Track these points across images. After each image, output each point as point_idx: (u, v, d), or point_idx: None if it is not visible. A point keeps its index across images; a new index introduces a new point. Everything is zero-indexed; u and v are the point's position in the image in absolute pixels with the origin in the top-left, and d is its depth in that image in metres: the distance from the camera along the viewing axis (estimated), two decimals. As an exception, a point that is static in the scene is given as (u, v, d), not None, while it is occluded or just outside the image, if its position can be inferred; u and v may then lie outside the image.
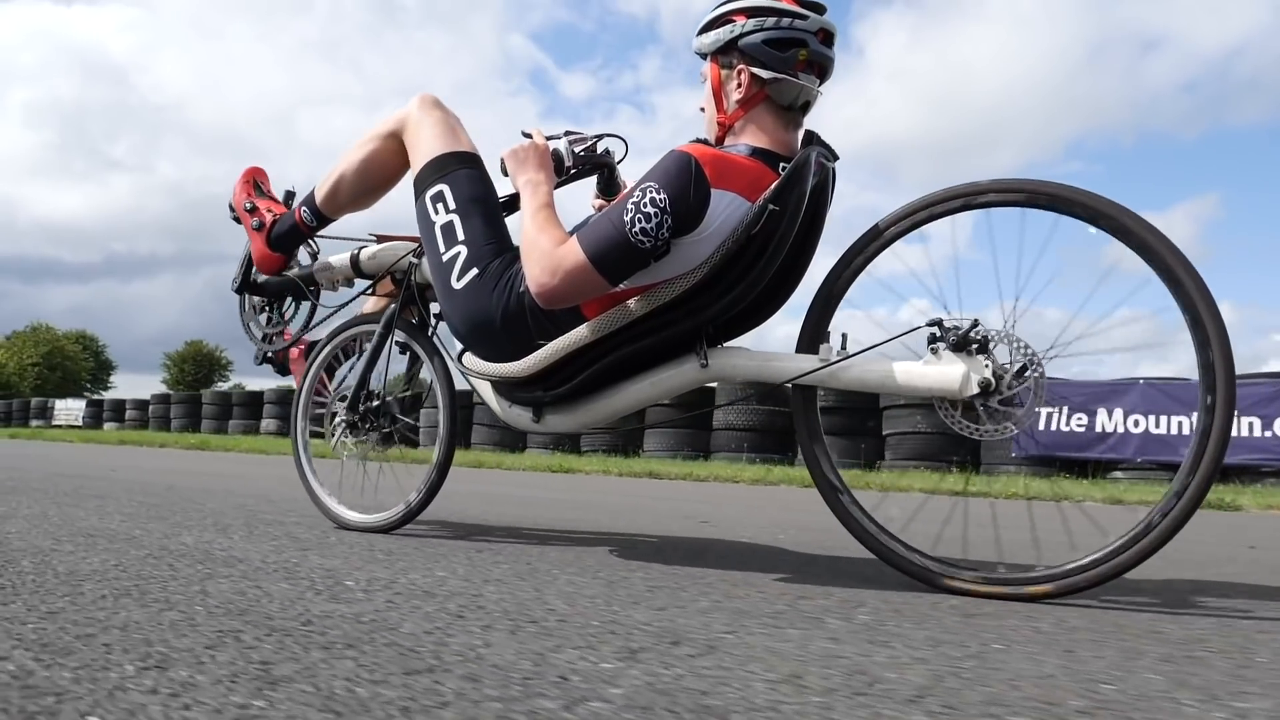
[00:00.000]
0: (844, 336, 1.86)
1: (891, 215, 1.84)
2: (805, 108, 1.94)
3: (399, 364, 2.41)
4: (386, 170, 2.34)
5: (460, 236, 2.10)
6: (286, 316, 2.64)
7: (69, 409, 24.57)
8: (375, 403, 2.36)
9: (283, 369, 2.61)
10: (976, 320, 1.70)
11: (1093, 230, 1.66)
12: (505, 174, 2.08)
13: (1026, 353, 1.68)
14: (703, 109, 2.01)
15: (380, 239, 2.49)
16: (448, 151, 2.18)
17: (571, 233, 1.90)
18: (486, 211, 2.14)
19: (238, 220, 2.57)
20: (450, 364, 2.29)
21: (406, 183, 2.30)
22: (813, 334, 1.89)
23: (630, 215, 1.77)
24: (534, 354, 2.01)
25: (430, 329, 2.39)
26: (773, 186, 1.81)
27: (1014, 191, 1.71)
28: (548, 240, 1.87)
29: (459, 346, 2.21)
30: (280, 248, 2.51)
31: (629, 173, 2.31)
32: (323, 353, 2.50)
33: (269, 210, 2.53)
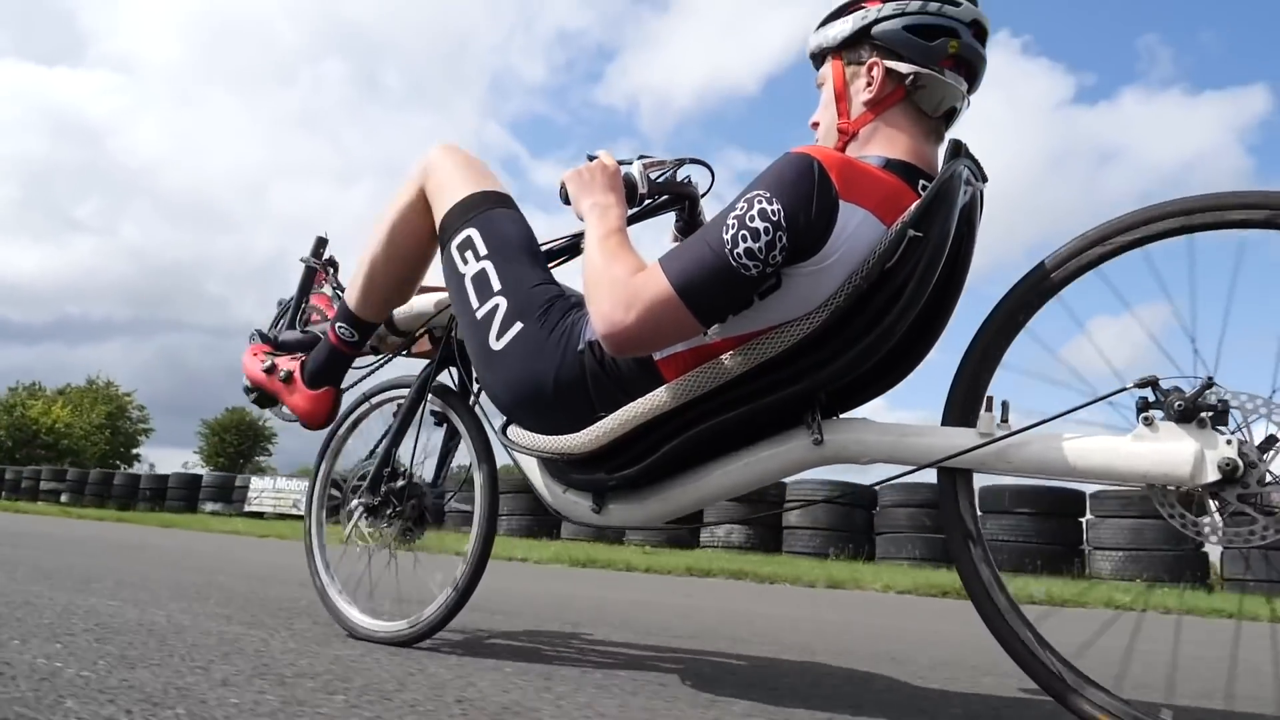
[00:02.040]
0: (1004, 405, 1.41)
1: (1060, 253, 1.40)
2: (950, 116, 1.54)
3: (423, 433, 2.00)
4: (421, 237, 1.89)
5: (496, 286, 1.69)
6: None
7: (273, 491, 17.70)
8: (401, 483, 1.94)
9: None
10: (1211, 379, 1.24)
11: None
12: (566, 201, 1.69)
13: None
14: (815, 123, 1.61)
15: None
16: (474, 192, 1.79)
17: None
18: (526, 254, 1.74)
19: (262, 397, 2.09)
20: (493, 438, 1.87)
21: None
22: (965, 402, 1.44)
23: (732, 232, 1.35)
24: (598, 424, 1.58)
25: (472, 396, 1.97)
26: (913, 207, 1.39)
27: (1254, 208, 1.26)
28: (621, 268, 1.46)
29: (502, 419, 1.79)
30: (325, 380, 2.01)
31: (714, 210, 1.91)
32: (346, 422, 2.10)
33: (292, 359, 2.06)
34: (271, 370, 2.04)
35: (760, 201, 1.34)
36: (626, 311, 1.41)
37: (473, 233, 1.75)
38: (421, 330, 2.07)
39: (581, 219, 1.65)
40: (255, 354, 2.10)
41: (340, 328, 1.96)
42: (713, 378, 1.48)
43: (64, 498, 20.08)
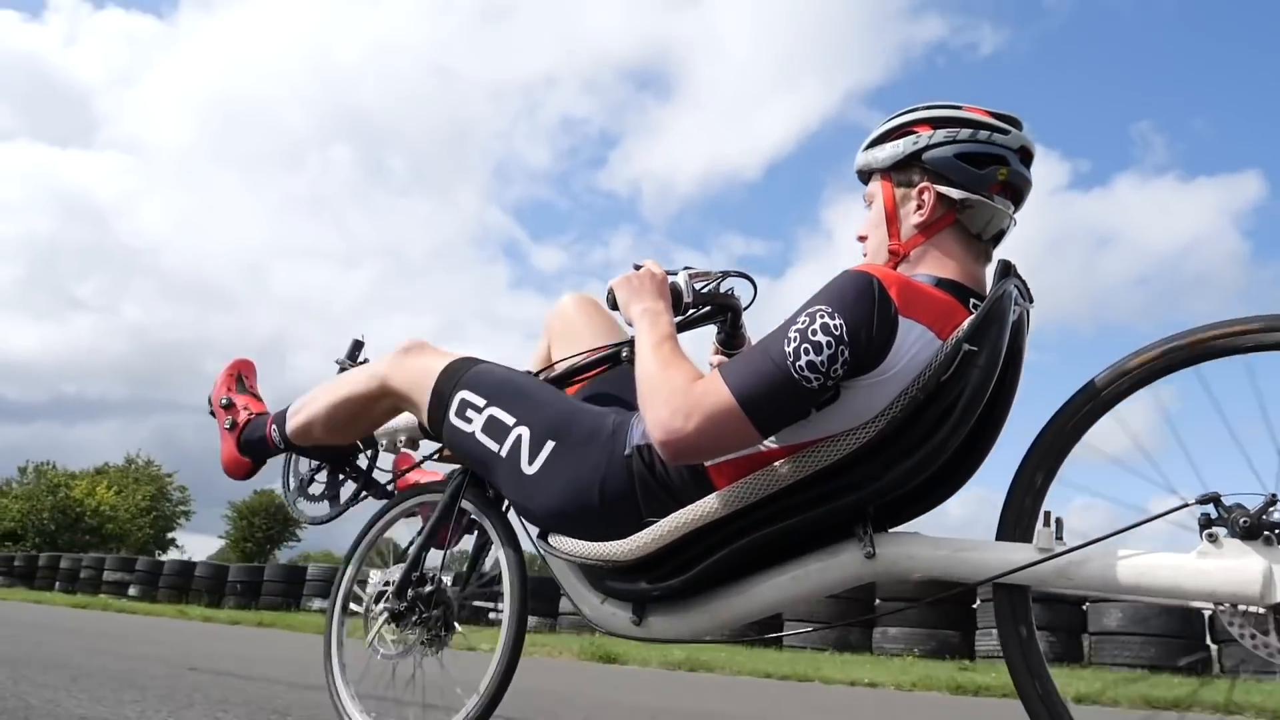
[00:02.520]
0: (1059, 521, 1.41)
1: (1114, 368, 1.43)
2: (998, 238, 1.59)
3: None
4: (361, 422, 2.03)
5: (510, 421, 1.72)
6: (340, 480, 2.24)
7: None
8: (429, 588, 1.89)
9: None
10: (1275, 496, 1.24)
11: None
12: (613, 306, 1.72)
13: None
14: (863, 237, 1.66)
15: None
16: (445, 365, 1.85)
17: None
18: (526, 385, 1.80)
19: (213, 414, 2.27)
20: (524, 544, 1.85)
21: None
22: (1020, 516, 1.44)
23: (794, 345, 1.37)
24: (644, 531, 1.56)
25: (506, 503, 1.95)
26: (967, 323, 1.43)
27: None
28: (679, 376, 1.47)
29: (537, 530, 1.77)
30: (250, 453, 2.19)
31: (756, 323, 1.94)
32: (376, 525, 2.06)
33: (246, 408, 2.23)
34: (228, 407, 2.23)
35: (822, 316, 1.37)
36: (686, 420, 1.41)
37: (463, 395, 1.79)
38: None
39: (631, 325, 1.67)
40: (230, 379, 2.29)
41: (274, 429, 2.12)
42: (764, 486, 1.48)
43: (132, 590, 16.84)
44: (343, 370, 2.23)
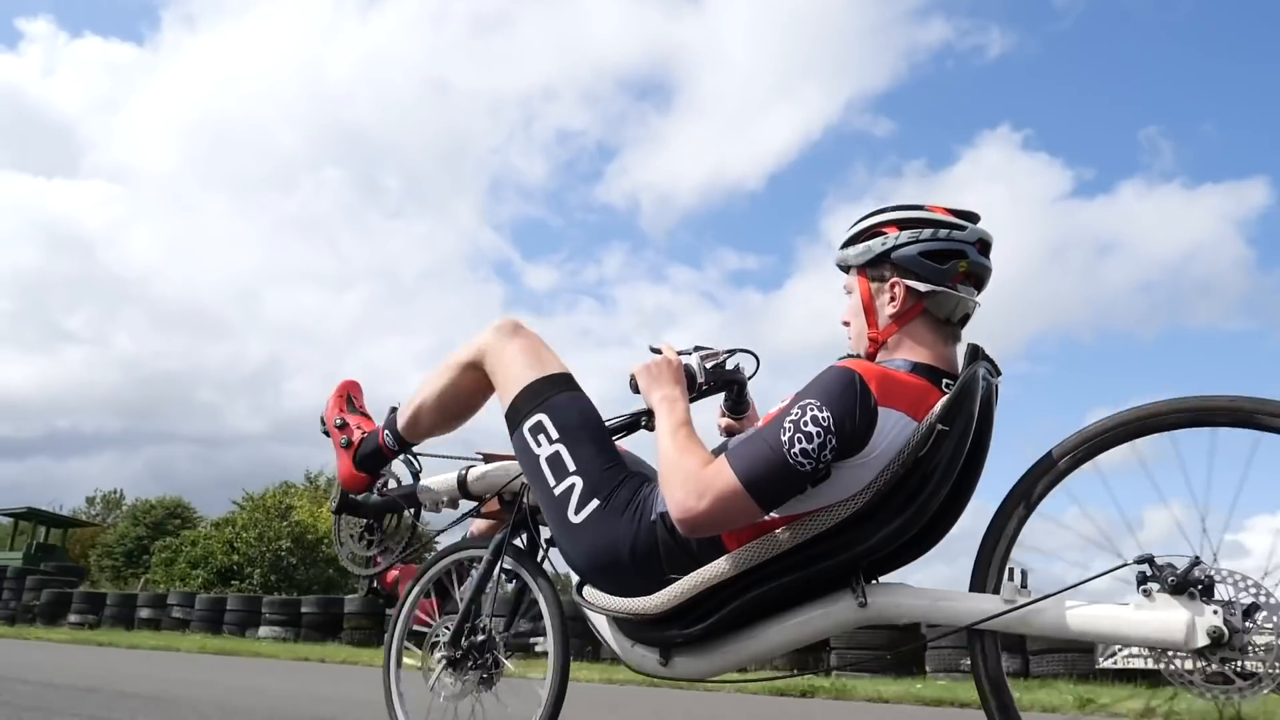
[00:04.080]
0: (1024, 574, 1.65)
1: (1064, 444, 1.67)
2: (964, 320, 1.82)
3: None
4: (467, 400, 2.24)
5: (571, 467, 1.95)
6: (388, 532, 2.49)
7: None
8: (480, 637, 2.15)
9: (389, 600, 2.42)
10: (1198, 558, 1.48)
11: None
12: (636, 390, 1.97)
13: (1257, 593, 1.45)
14: (846, 323, 1.90)
15: (488, 458, 2.36)
16: (539, 378, 2.06)
17: (715, 453, 1.75)
18: (594, 435, 2.01)
19: (327, 434, 2.48)
20: (559, 592, 2.10)
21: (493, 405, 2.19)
22: (988, 570, 1.68)
23: (789, 434, 1.61)
24: (666, 589, 1.81)
25: (542, 555, 2.21)
26: (939, 405, 1.66)
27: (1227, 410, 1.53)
28: (693, 461, 1.72)
29: (576, 578, 2.03)
30: (366, 468, 2.40)
31: (761, 390, 2.19)
32: (424, 577, 2.32)
33: (359, 427, 2.43)
34: (342, 427, 2.42)
35: (811, 409, 1.61)
36: (699, 500, 1.66)
37: (543, 418, 2.01)
38: (492, 495, 2.32)
39: (651, 409, 1.92)
40: (340, 399, 2.49)
41: (387, 434, 2.33)
42: (769, 549, 1.72)
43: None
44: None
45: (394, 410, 2.54)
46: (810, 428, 1.60)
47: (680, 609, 1.81)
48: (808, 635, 1.79)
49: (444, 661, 2.15)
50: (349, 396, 2.53)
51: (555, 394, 2.04)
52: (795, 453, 1.60)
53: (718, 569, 1.76)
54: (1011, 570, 1.64)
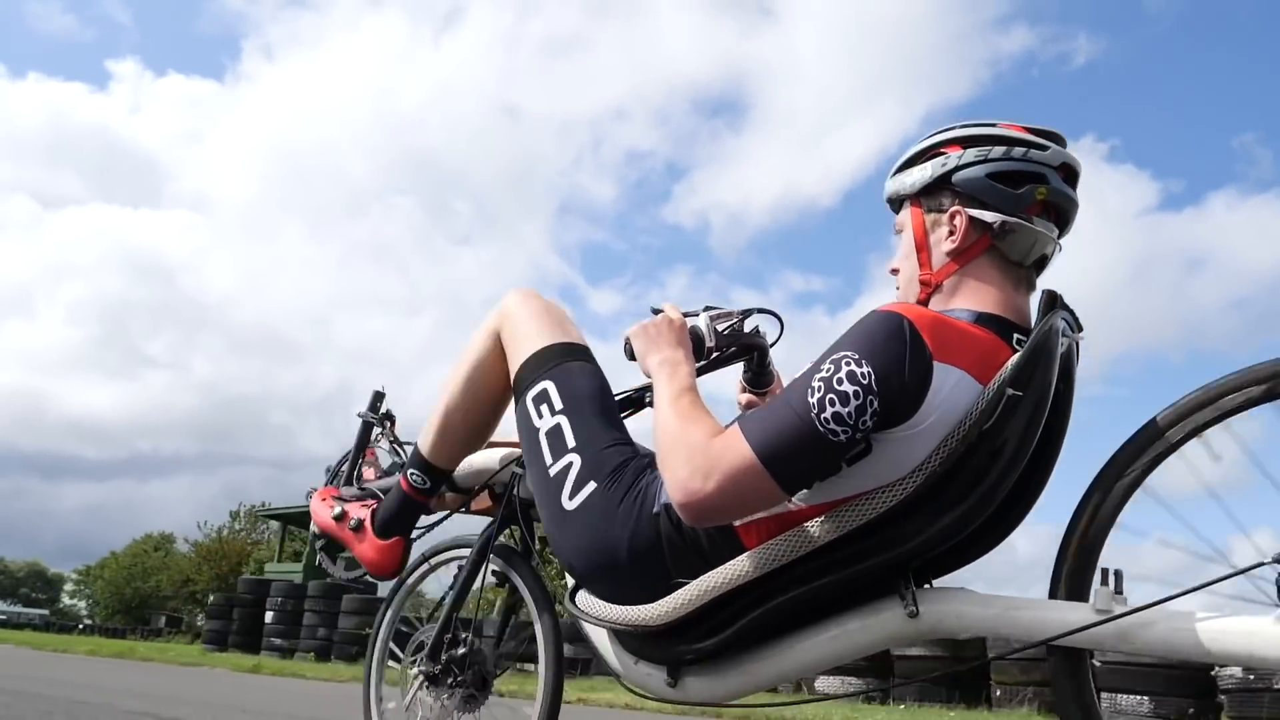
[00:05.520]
0: (1118, 576, 1.30)
1: (1177, 408, 1.31)
2: (1041, 264, 1.48)
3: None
4: (498, 384, 1.82)
5: (570, 443, 1.61)
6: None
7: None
8: (462, 650, 1.84)
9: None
10: (1362, 556, 1.12)
11: None
12: (631, 357, 1.63)
13: None
14: (895, 270, 1.56)
15: (490, 445, 2.04)
16: (551, 344, 1.73)
17: (728, 425, 1.41)
18: (602, 409, 1.67)
19: (330, 545, 2.05)
20: (555, 600, 1.79)
21: None
22: (1075, 572, 1.33)
23: (819, 395, 1.27)
24: (673, 594, 1.48)
25: (534, 556, 1.89)
26: (1010, 364, 1.32)
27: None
28: (698, 431, 1.38)
29: (571, 582, 1.70)
30: (393, 530, 1.93)
31: (785, 360, 1.85)
32: (407, 581, 2.02)
33: (363, 506, 1.98)
34: (341, 518, 1.95)
35: (848, 363, 1.27)
36: (705, 480, 1.33)
37: (548, 385, 1.68)
38: (481, 487, 2.01)
39: (649, 376, 1.59)
40: (324, 499, 2.03)
41: (412, 474, 1.87)
42: (797, 546, 1.39)
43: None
44: (366, 423, 2.19)
45: (379, 394, 2.26)
46: (846, 386, 1.26)
47: (690, 619, 1.48)
48: (846, 652, 1.45)
49: (421, 678, 1.85)
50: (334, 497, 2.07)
51: (565, 361, 1.71)
52: (826, 418, 1.26)
53: (734, 571, 1.43)
54: (1105, 571, 1.29)
